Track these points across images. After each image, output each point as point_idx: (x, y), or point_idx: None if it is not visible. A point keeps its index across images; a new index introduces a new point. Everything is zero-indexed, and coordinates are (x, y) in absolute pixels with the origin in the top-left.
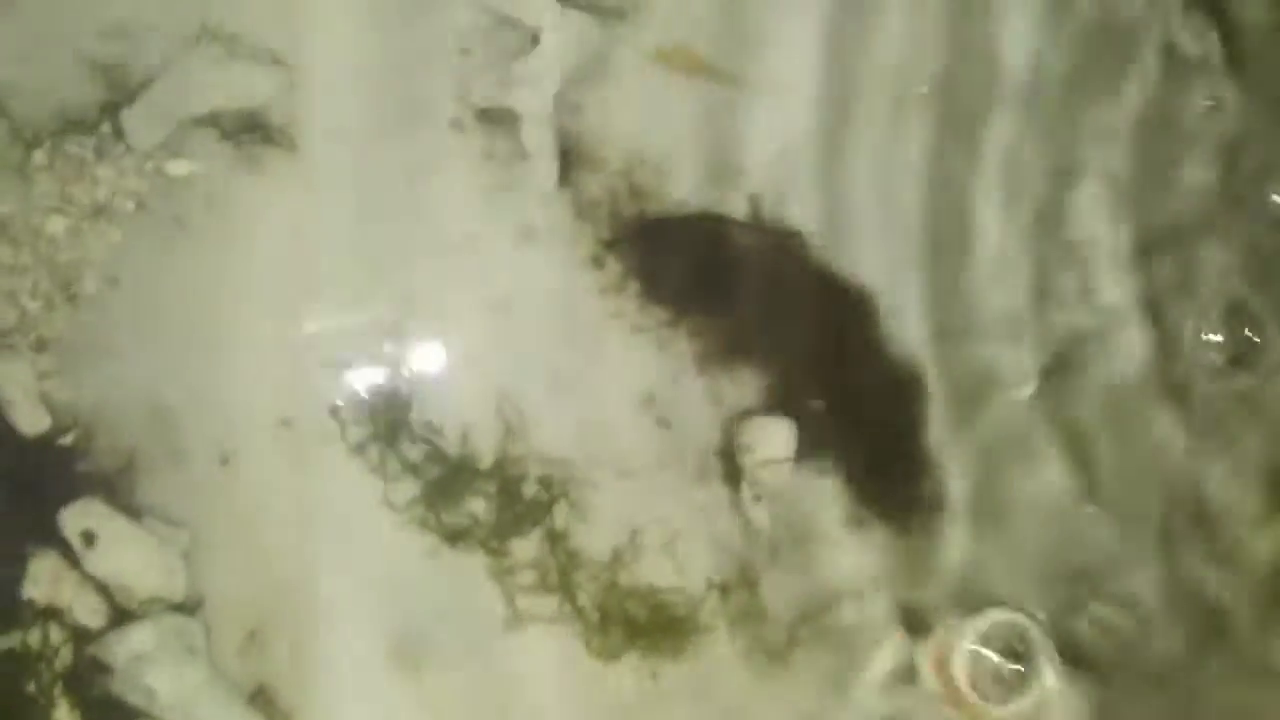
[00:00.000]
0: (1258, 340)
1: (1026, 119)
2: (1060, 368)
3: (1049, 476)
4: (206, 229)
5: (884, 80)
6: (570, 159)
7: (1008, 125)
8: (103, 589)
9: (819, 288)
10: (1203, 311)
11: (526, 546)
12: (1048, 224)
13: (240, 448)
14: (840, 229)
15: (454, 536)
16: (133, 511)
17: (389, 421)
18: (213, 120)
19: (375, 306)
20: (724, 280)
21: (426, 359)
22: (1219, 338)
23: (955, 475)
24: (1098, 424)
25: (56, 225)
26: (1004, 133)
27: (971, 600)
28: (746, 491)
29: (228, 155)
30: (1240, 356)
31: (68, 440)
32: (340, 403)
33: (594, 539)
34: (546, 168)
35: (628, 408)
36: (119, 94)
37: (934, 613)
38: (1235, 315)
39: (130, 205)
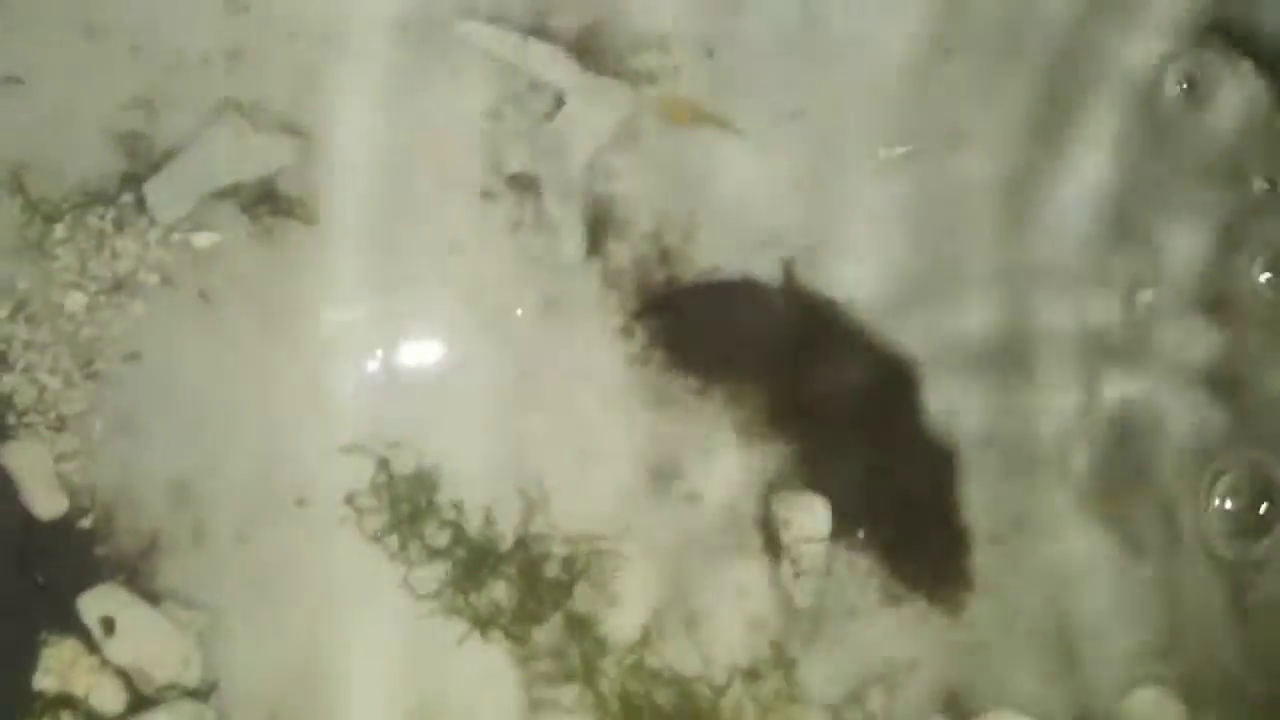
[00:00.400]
0: None
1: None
2: (1104, 448)
3: (1085, 552)
4: (229, 303)
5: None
6: (599, 226)
7: None
8: (121, 675)
9: (856, 356)
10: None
11: (548, 630)
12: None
13: (258, 527)
14: (879, 296)
15: (476, 622)
16: (152, 596)
17: (411, 507)
18: (235, 192)
19: (397, 383)
20: (756, 348)
21: (450, 435)
22: None
23: (994, 552)
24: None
25: (76, 301)
26: None
27: (1006, 683)
28: (787, 567)
29: (249, 228)
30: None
31: (86, 523)
32: (359, 489)
33: (618, 620)
34: (574, 236)
35: (655, 480)
36: (141, 165)
37: (974, 695)
38: None
39: (154, 279)
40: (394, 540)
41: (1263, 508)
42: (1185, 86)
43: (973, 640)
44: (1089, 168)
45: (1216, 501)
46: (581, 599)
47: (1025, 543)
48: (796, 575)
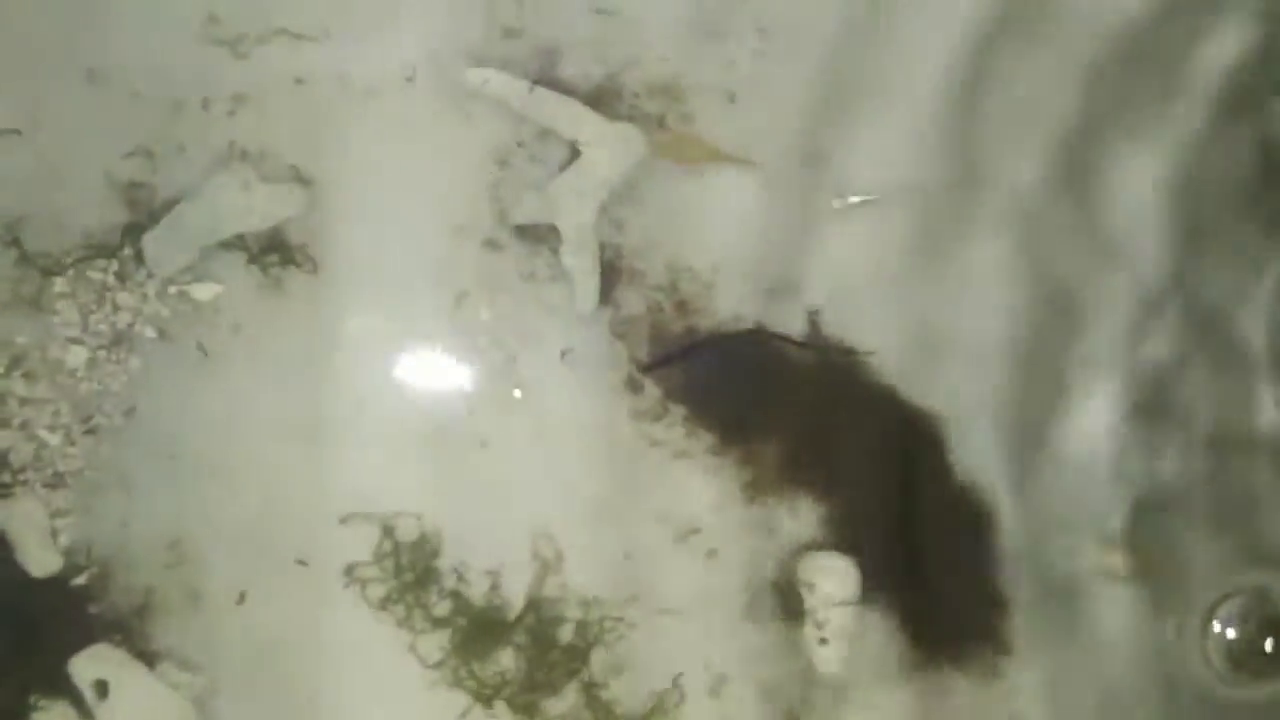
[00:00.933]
0: None
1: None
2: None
3: (1127, 620)
4: (230, 356)
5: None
6: (611, 276)
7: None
8: None
9: (883, 412)
10: None
11: (560, 700)
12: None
13: (257, 588)
14: (909, 350)
15: (478, 696)
16: (148, 657)
17: (416, 574)
18: (239, 243)
19: (402, 440)
20: (778, 402)
21: (455, 496)
22: None
23: (1028, 617)
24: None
25: (78, 356)
26: None
27: None
28: (811, 631)
29: (254, 278)
30: None
31: (81, 581)
32: (360, 559)
33: (632, 687)
34: (587, 287)
35: (670, 540)
36: (142, 216)
37: None
38: None
39: (152, 332)
40: (400, 609)
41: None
42: None
43: (1010, 710)
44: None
45: (1217, 627)
46: (596, 666)
47: (1065, 604)
48: (822, 641)
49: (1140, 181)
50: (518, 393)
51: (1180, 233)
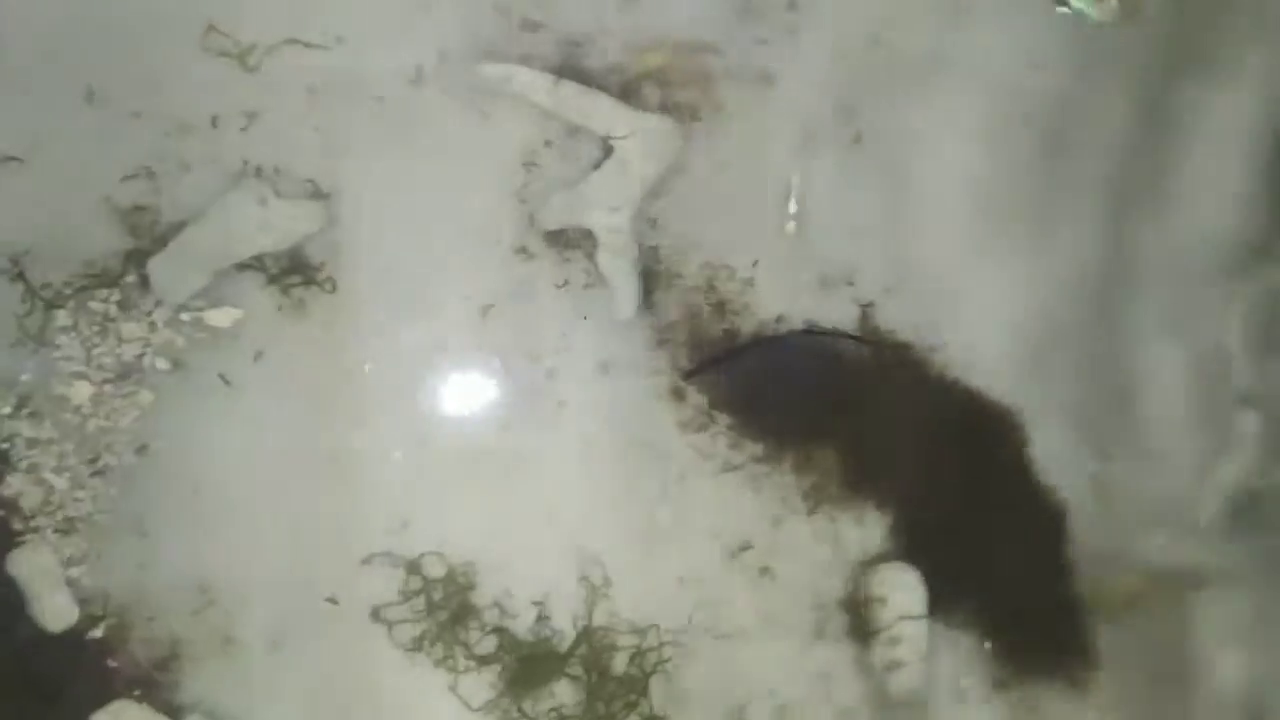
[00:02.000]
0: None
1: None
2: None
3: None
4: (250, 385)
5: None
6: (650, 279)
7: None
8: None
9: (948, 408)
10: None
11: None
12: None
13: (290, 631)
14: (973, 340)
15: None
16: (174, 710)
17: (451, 612)
18: (257, 264)
19: (435, 468)
20: (835, 404)
21: (495, 524)
22: None
23: (1111, 625)
24: None
25: (82, 392)
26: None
27: None
28: (884, 652)
29: (274, 301)
30: None
31: (98, 633)
32: (390, 598)
33: (697, 716)
34: (626, 292)
35: (722, 559)
36: (145, 241)
37: None
38: None
39: (164, 363)
40: (438, 648)
41: None
42: None
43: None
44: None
45: None
46: (657, 697)
47: (1154, 610)
48: (894, 660)
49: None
50: (555, 409)
51: None
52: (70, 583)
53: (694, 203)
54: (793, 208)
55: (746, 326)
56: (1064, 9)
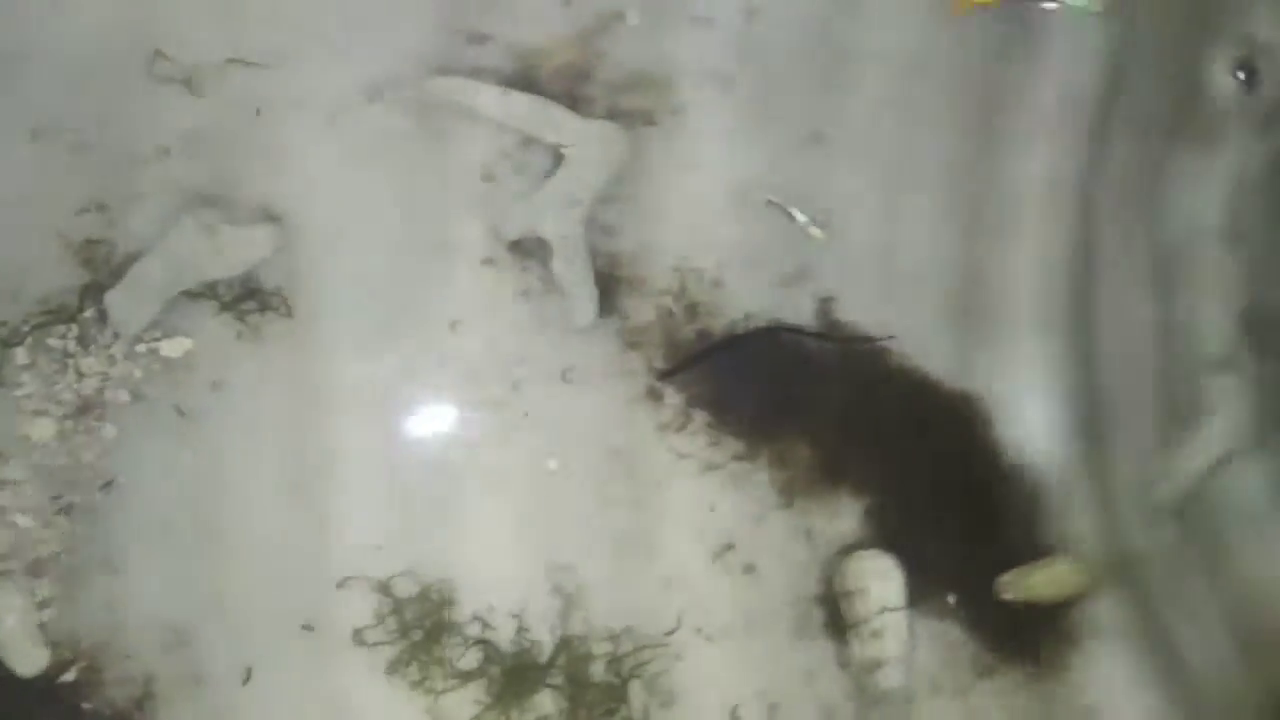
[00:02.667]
0: None
1: None
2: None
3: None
4: (210, 416)
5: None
6: (611, 285)
7: None
8: None
9: (914, 397)
10: None
11: None
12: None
13: (263, 662)
14: (931, 328)
15: None
16: None
17: (426, 630)
18: (209, 291)
19: (404, 488)
20: (804, 399)
21: (470, 540)
22: None
23: (1098, 599)
24: None
25: (44, 429)
26: None
27: None
28: (862, 645)
29: (229, 329)
30: None
31: (70, 676)
32: (364, 623)
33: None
34: (582, 299)
35: (703, 560)
36: (101, 274)
37: None
38: None
39: (124, 396)
40: (413, 670)
41: None
42: None
43: (1082, 704)
44: None
45: None
46: (636, 701)
47: (1130, 585)
48: (876, 651)
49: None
50: (521, 421)
51: None
52: (40, 626)
53: (653, 207)
54: (800, 217)
55: (717, 326)
56: (1051, 4)
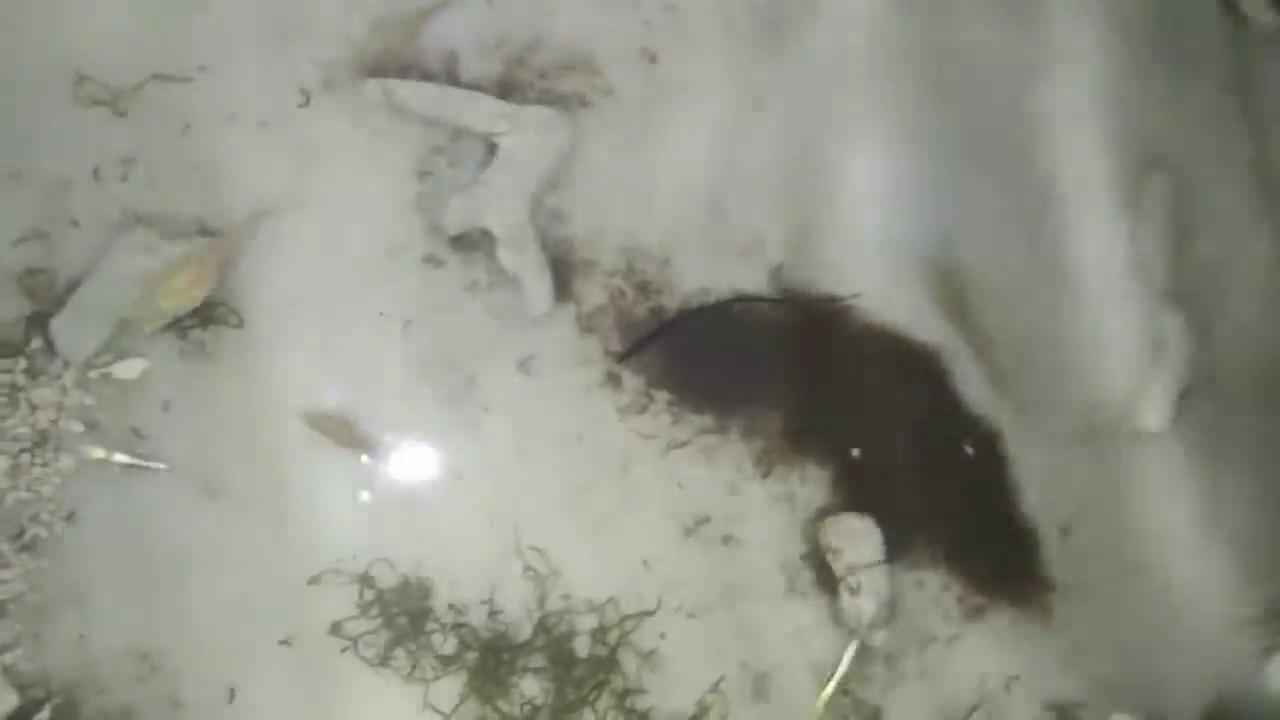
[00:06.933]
0: None
1: None
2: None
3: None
4: (166, 435)
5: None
6: (562, 270)
7: None
8: None
9: (873, 354)
10: None
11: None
12: None
13: (245, 679)
14: (885, 284)
15: None
16: None
17: (410, 617)
18: None
19: (365, 488)
20: (766, 369)
21: (434, 533)
22: None
23: (1066, 539)
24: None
25: None
26: None
27: (1114, 684)
28: (849, 602)
29: (179, 346)
30: None
31: (45, 716)
32: (346, 615)
33: (674, 695)
34: (536, 287)
35: (680, 535)
36: (44, 303)
37: (1086, 709)
38: None
39: (78, 426)
40: (402, 659)
41: None
42: None
43: (1067, 645)
44: None
45: None
46: (629, 669)
47: (1095, 527)
48: (859, 607)
49: None
50: (480, 415)
51: None
52: (7, 670)
53: (597, 189)
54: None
55: (671, 303)
56: None
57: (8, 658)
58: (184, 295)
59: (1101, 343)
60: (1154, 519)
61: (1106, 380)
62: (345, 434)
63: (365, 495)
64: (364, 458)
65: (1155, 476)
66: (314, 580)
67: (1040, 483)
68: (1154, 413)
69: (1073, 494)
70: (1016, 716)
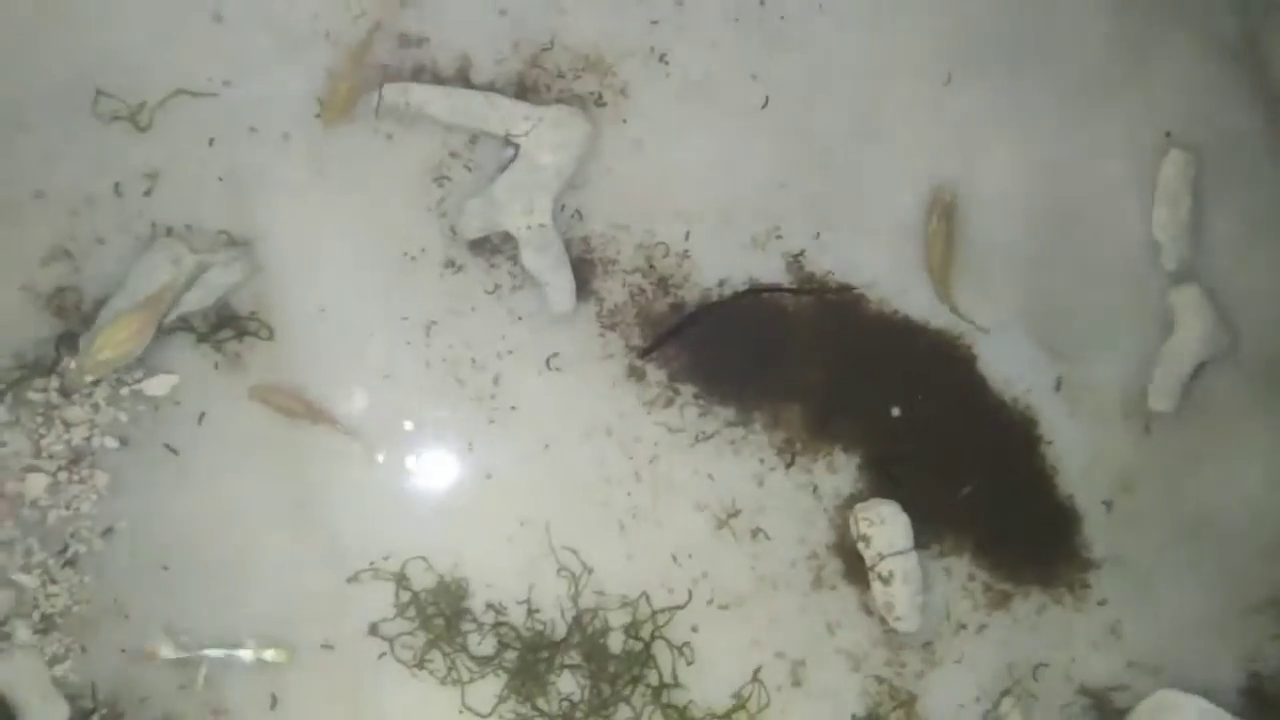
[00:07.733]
0: None
1: None
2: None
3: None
4: (201, 449)
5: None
6: (585, 269)
7: None
8: None
9: (895, 342)
10: None
11: (634, 713)
12: None
13: (286, 687)
14: (903, 270)
15: None
16: None
17: (447, 619)
18: (183, 324)
19: (397, 492)
20: (791, 357)
21: (467, 534)
22: None
23: (1099, 522)
24: None
25: (36, 484)
26: None
27: (1166, 658)
28: (880, 591)
29: (209, 359)
30: None
31: None
32: (383, 616)
33: (708, 687)
34: (559, 286)
35: (709, 528)
36: (74, 321)
37: (1122, 692)
38: None
39: (113, 442)
40: (438, 662)
41: None
42: None
43: (1107, 620)
44: None
45: None
46: (664, 663)
47: (1143, 496)
48: (891, 596)
49: None
50: (508, 415)
51: None
52: (56, 681)
53: (614, 187)
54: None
55: (690, 297)
56: None
57: (58, 670)
58: (124, 347)
59: (1119, 321)
60: (1204, 487)
61: (1128, 359)
62: (296, 406)
63: (398, 496)
64: (379, 457)
65: (1194, 449)
66: (352, 579)
67: (1081, 459)
68: (1165, 393)
69: (1117, 467)
70: (1050, 701)
